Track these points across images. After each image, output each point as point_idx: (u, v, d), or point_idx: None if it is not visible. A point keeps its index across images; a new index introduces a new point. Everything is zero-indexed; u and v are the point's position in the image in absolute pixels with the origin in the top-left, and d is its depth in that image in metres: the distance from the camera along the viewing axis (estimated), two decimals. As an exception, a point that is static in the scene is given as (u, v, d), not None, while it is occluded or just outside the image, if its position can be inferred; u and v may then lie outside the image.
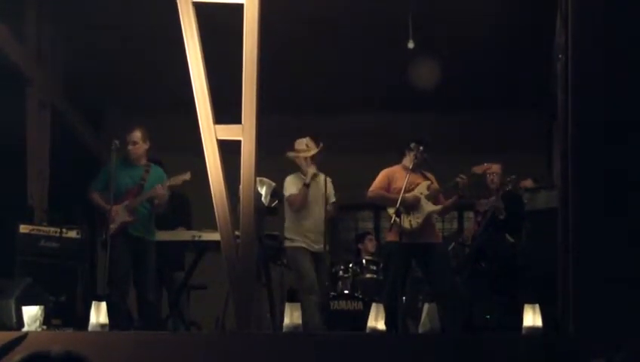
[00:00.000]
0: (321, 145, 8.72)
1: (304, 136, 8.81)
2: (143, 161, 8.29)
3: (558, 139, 7.58)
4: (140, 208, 8.10)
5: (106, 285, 7.91)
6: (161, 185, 8.09)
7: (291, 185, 8.66)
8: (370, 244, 10.13)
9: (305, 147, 8.74)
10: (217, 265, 7.34)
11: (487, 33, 9.40)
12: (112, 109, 11.74)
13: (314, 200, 8.66)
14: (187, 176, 8.09)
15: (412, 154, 8.36)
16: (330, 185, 8.76)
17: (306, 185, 8.61)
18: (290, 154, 8.74)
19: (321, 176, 8.72)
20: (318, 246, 8.57)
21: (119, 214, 7.98)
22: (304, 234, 8.58)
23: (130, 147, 8.17)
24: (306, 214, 8.63)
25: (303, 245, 8.55)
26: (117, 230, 7.92)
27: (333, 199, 8.81)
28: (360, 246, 10.23)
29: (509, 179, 8.72)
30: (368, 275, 9.28)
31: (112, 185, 7.88)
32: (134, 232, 8.06)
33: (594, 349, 5.90)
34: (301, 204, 8.60)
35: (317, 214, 8.62)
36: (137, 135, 8.19)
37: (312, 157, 8.71)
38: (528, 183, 9.30)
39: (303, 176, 8.69)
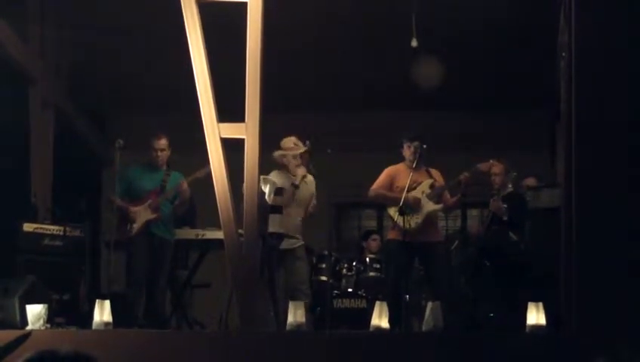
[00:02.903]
0: (308, 143, 8.37)
1: (293, 135, 8.43)
2: (164, 166, 8.35)
3: (562, 137, 7.58)
4: (162, 207, 8.15)
5: (117, 285, 7.96)
6: (183, 181, 8.16)
7: (271, 183, 8.18)
8: (373, 244, 10.12)
9: (293, 145, 8.34)
10: (221, 263, 7.35)
11: (490, 32, 9.40)
12: (116, 108, 11.75)
13: (297, 203, 8.29)
14: (209, 169, 8.05)
15: (411, 150, 8.34)
16: (313, 185, 8.42)
17: (295, 186, 8.21)
18: (278, 152, 8.29)
19: (310, 178, 8.40)
20: (288, 244, 8.21)
21: (141, 214, 8.05)
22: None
23: (159, 153, 8.26)
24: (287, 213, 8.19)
25: None
26: (140, 229, 8.00)
27: (314, 201, 8.45)
28: (364, 244, 10.22)
29: (509, 178, 8.70)
30: (372, 273, 9.28)
31: (121, 183, 7.92)
32: (157, 231, 8.13)
33: (597, 347, 5.91)
34: (286, 206, 8.20)
35: (297, 214, 8.30)
36: (165, 142, 8.27)
37: (301, 157, 8.32)
38: (531, 182, 9.30)
39: (290, 176, 8.28)
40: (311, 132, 8.77)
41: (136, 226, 8.03)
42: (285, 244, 8.19)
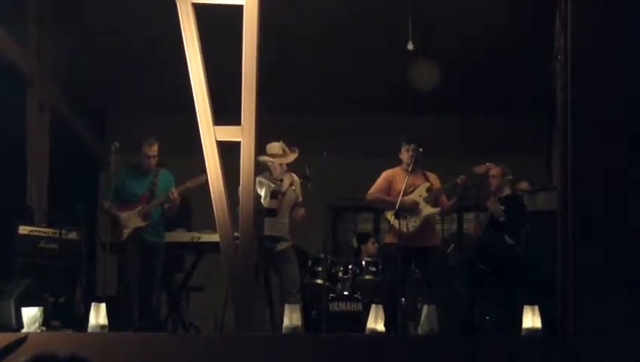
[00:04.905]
0: (297, 150, 8.33)
1: (290, 138, 8.47)
2: (153, 168, 8.32)
3: (558, 140, 7.59)
4: (152, 212, 8.13)
5: (112, 288, 7.95)
6: (174, 190, 8.09)
7: (268, 186, 8.25)
8: (372, 247, 10.11)
9: (281, 151, 8.34)
10: (216, 266, 7.34)
11: (487, 34, 9.41)
12: (112, 110, 11.73)
13: (283, 207, 8.36)
14: (203, 179, 8.02)
15: (409, 154, 8.34)
16: (299, 187, 8.45)
17: (282, 194, 8.26)
18: (264, 158, 8.21)
19: (295, 180, 8.41)
20: (278, 248, 8.28)
21: (132, 220, 8.02)
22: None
23: (151, 160, 8.19)
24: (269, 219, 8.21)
25: None
26: (130, 235, 7.97)
27: (303, 210, 8.44)
28: (363, 246, 10.20)
29: (505, 181, 8.71)
30: (367, 276, 9.26)
31: (112, 187, 7.89)
32: (147, 236, 8.09)
33: (593, 351, 5.91)
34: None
35: (284, 218, 8.35)
36: (156, 149, 8.20)
37: (287, 163, 8.36)
38: (523, 186, 9.31)
39: (274, 180, 8.29)
40: (308, 134, 8.77)
41: (126, 232, 7.99)
42: (277, 248, 8.21)
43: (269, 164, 8.31)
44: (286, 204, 8.38)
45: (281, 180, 8.33)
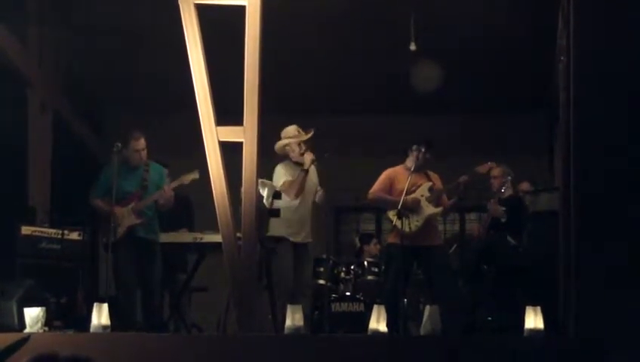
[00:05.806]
0: (312, 130, 8.25)
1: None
2: (142, 162, 8.26)
3: (560, 140, 7.59)
4: (146, 209, 8.08)
5: (114, 288, 7.91)
6: (167, 186, 8.06)
7: (281, 175, 8.17)
8: (375, 247, 10.14)
9: (296, 132, 8.28)
10: (219, 266, 7.34)
11: (489, 35, 9.41)
12: (114, 111, 11.74)
13: (307, 190, 8.22)
14: (196, 175, 7.98)
15: (414, 155, 8.35)
16: (316, 176, 8.36)
17: (305, 171, 8.10)
18: (282, 142, 8.24)
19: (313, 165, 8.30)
20: (301, 237, 8.24)
21: (125, 217, 7.96)
22: (286, 225, 8.13)
23: (141, 154, 8.10)
24: (296, 203, 8.16)
25: (284, 235, 8.11)
26: (124, 233, 7.92)
27: (321, 191, 8.33)
28: (365, 247, 10.21)
29: (506, 182, 8.71)
30: (370, 277, 9.28)
31: (114, 188, 7.87)
32: (141, 233, 8.04)
33: (595, 351, 5.91)
34: (299, 192, 8.12)
35: (306, 203, 8.24)
36: (143, 143, 8.12)
37: (306, 143, 8.25)
38: (525, 186, 9.31)
39: (293, 165, 8.22)
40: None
41: (120, 231, 7.91)
42: (300, 237, 8.17)
43: (287, 147, 8.24)
44: (310, 185, 8.23)
45: (302, 163, 8.19)
